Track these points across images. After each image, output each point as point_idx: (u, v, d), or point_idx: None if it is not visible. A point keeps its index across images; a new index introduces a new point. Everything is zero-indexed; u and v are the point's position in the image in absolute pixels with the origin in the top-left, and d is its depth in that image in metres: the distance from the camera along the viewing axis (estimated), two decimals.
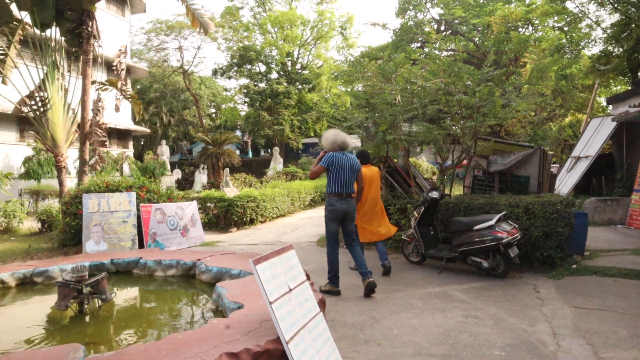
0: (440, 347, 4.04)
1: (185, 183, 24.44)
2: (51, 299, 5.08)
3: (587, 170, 12.30)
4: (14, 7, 9.78)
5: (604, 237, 9.11)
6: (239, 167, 24.15)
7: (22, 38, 10.37)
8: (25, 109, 10.25)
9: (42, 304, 5.25)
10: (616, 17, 13.13)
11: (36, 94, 10.20)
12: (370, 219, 6.69)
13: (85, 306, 4.63)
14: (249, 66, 34.45)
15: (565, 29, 16.03)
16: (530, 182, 8.38)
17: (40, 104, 10.20)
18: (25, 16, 10.01)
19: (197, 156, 21.82)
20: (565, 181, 12.64)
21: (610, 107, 14.63)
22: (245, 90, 33.46)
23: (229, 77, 34.94)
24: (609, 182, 13.04)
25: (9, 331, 4.36)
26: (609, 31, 13.23)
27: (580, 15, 14.16)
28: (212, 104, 43.79)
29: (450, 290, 5.87)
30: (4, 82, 10.13)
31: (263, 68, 35.11)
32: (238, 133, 40.17)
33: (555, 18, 16.49)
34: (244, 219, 12.16)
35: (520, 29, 24.25)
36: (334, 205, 5.67)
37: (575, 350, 3.90)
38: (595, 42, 14.19)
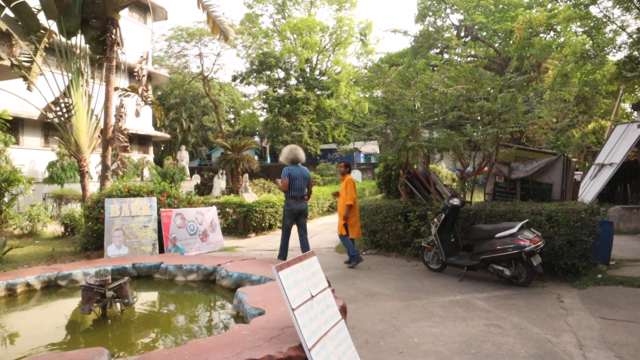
0: (463, 356, 3.98)
1: (204, 188, 24.61)
2: (75, 302, 5.16)
3: (612, 177, 12.04)
4: (41, 16, 10.04)
5: (630, 247, 8.90)
6: (257, 173, 24.23)
7: (48, 46, 10.61)
8: (50, 115, 10.47)
9: (66, 307, 5.33)
10: None
11: (61, 101, 10.42)
12: (357, 218, 8.05)
13: (108, 310, 4.69)
14: (268, 72, 34.69)
15: (589, 34, 15.75)
16: (553, 190, 8.23)
17: (64, 110, 10.41)
18: (52, 24, 10.26)
19: (216, 162, 21.98)
20: (589, 189, 12.38)
21: (636, 113, 14.32)
22: (264, 96, 33.68)
23: (248, 84, 35.23)
24: (634, 190, 12.74)
25: (35, 334, 4.44)
26: (634, 36, 12.96)
27: (605, 20, 13.89)
28: (231, 110, 44.14)
29: (472, 298, 5.79)
30: (29, 88, 10.36)
31: (282, 74, 35.34)
32: (257, 139, 40.41)
33: (578, 23, 16.23)
34: (263, 225, 12.20)
35: (542, 35, 23.95)
36: (291, 206, 7.15)
37: None
38: (621, 47, 13.88)
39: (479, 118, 8.45)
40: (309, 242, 7.42)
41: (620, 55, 16.31)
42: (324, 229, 12.95)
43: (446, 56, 27.16)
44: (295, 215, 7.20)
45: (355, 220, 8.02)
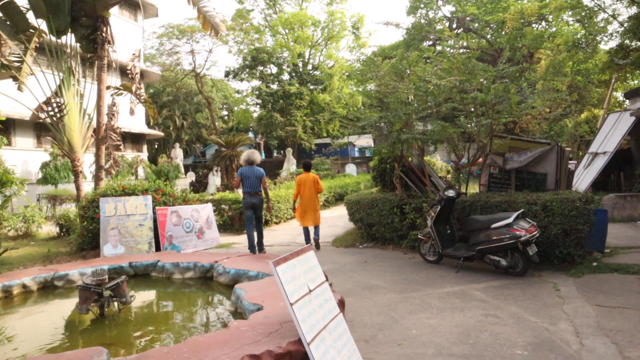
0: (461, 347, 4.00)
1: (199, 185, 24.54)
2: (72, 302, 5.15)
3: (605, 166, 12.11)
4: (30, 15, 9.93)
5: (625, 234, 8.96)
6: None
7: (38, 45, 10.50)
8: (42, 115, 10.38)
9: (64, 307, 5.32)
10: (634, 10, 12.90)
11: (53, 100, 10.32)
12: (305, 211, 8.85)
13: (106, 309, 4.68)
14: (260, 68, 34.51)
15: (581, 23, 15.79)
16: (547, 179, 8.27)
17: (57, 110, 10.32)
18: (42, 24, 10.15)
19: (211, 158, 21.93)
20: (583, 178, 12.45)
21: (628, 101, 14.39)
22: (257, 92, 33.52)
23: (241, 79, 35.02)
24: (628, 178, 12.81)
25: (33, 335, 4.43)
26: (626, 25, 12.99)
27: (596, 9, 13.92)
28: (225, 106, 43.95)
29: (469, 289, 5.82)
30: (20, 88, 10.26)
31: (274, 69, 35.15)
32: (251, 135, 40.30)
33: (570, 13, 16.26)
34: None
35: (533, 25, 23.98)
36: (246, 200, 8.33)
37: (600, 349, 3.84)
38: (612, 36, 13.93)
39: (472, 109, 8.45)
40: (263, 231, 8.75)
41: (612, 44, 16.37)
42: None
43: (439, 48, 27.14)
44: (250, 207, 8.33)
45: (301, 211, 8.92)
